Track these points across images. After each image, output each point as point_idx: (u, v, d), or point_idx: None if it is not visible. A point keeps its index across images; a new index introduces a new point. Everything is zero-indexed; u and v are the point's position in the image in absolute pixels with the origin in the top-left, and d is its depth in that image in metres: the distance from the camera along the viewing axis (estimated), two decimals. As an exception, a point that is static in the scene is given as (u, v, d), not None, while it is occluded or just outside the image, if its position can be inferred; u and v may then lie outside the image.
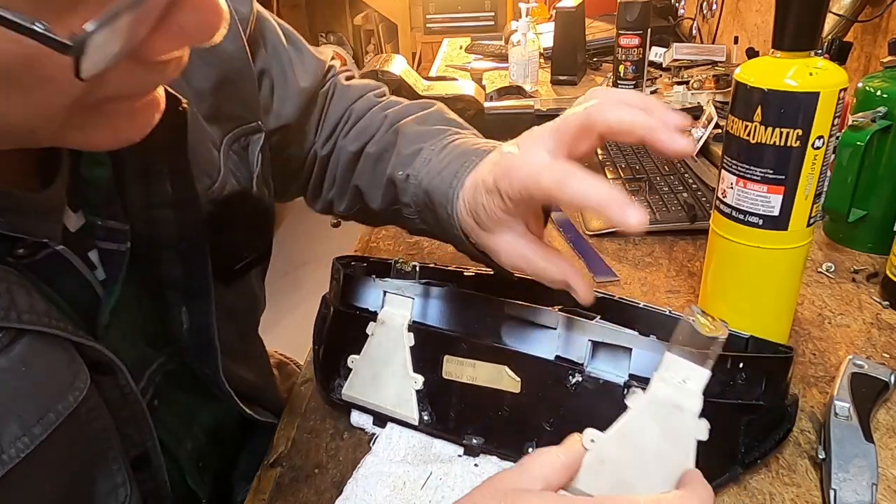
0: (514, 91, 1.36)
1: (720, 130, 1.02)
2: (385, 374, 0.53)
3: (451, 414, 0.52)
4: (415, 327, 0.53)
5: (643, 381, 0.42)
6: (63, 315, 0.36)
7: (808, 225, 0.53)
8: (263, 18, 0.60)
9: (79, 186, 0.41)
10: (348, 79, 0.70)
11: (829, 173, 0.53)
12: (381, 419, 0.54)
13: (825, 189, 0.53)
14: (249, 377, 0.58)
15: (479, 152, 0.50)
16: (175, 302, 0.47)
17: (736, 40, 1.56)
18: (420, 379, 0.52)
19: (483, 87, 1.31)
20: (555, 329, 0.48)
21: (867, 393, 0.51)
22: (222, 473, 0.59)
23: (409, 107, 0.64)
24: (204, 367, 0.50)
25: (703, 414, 0.37)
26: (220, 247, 0.48)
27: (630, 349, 0.45)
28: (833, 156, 0.68)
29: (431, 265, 0.58)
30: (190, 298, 0.47)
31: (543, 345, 0.48)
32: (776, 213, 0.52)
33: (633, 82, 1.39)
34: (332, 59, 0.70)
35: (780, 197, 0.51)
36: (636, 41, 1.35)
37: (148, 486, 0.44)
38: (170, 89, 0.38)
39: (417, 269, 0.57)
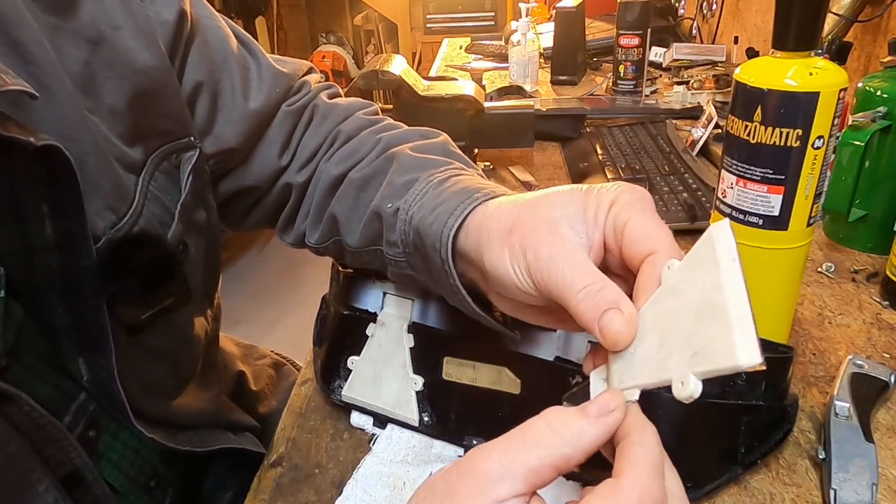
0: (514, 91, 1.37)
1: (720, 130, 1.02)
2: (385, 375, 0.53)
3: (451, 415, 0.52)
4: (415, 328, 0.53)
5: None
6: None
7: (808, 225, 0.53)
8: (202, 23, 0.53)
9: None
10: (332, 97, 0.62)
11: (829, 173, 0.53)
12: (381, 420, 0.54)
13: (825, 189, 0.53)
14: (194, 405, 0.54)
15: (486, 193, 0.42)
16: (70, 352, 0.42)
17: (736, 40, 1.56)
18: (420, 380, 0.52)
19: (483, 87, 1.31)
20: (555, 330, 0.48)
21: (867, 393, 0.51)
22: (188, 484, 0.56)
23: (407, 133, 0.56)
24: (115, 416, 0.46)
25: (703, 415, 0.36)
26: (124, 293, 0.44)
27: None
28: (833, 156, 0.68)
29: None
30: (86, 350, 0.42)
31: (543, 346, 0.48)
32: (776, 213, 0.52)
33: (633, 82, 1.40)
34: (308, 72, 0.62)
35: (780, 197, 0.51)
36: (636, 41, 1.36)
37: (87, 500, 0.43)
38: (17, 132, 0.34)
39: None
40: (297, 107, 0.58)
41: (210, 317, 0.57)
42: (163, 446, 0.49)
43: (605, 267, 0.36)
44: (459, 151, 0.53)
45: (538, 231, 0.35)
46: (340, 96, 0.64)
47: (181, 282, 0.49)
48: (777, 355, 0.48)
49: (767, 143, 0.50)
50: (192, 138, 0.50)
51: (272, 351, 0.81)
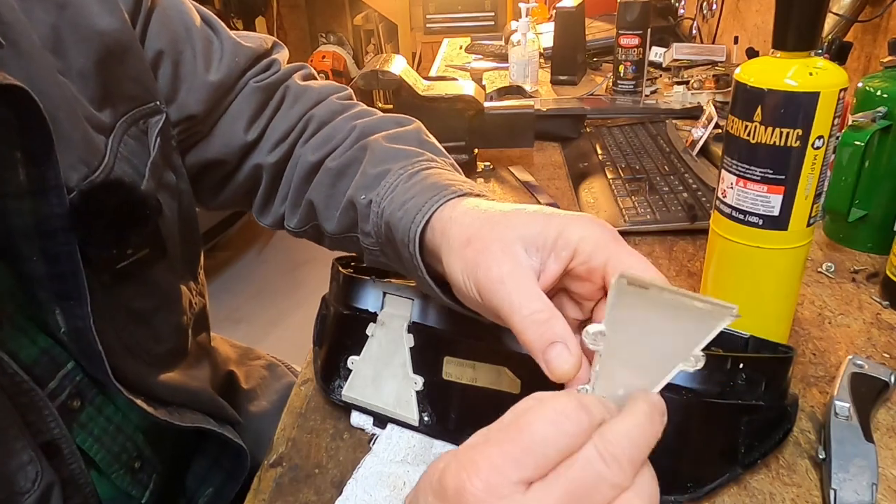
0: (514, 91, 1.36)
1: (720, 130, 1.02)
2: (385, 375, 0.53)
3: (451, 415, 0.52)
4: (415, 328, 0.53)
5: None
6: None
7: (808, 225, 0.53)
8: None
9: None
10: (305, 78, 0.63)
11: (829, 173, 0.53)
12: (381, 420, 0.54)
13: (825, 189, 0.53)
14: (178, 380, 0.54)
15: (454, 190, 0.43)
16: (47, 303, 0.43)
17: (736, 40, 1.56)
18: (420, 380, 0.52)
19: (483, 87, 1.31)
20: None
21: (867, 393, 0.51)
22: (172, 473, 0.56)
23: (382, 120, 0.57)
24: (93, 373, 0.46)
25: (703, 415, 0.36)
26: (97, 241, 0.44)
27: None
28: (833, 156, 0.68)
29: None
30: (62, 299, 0.43)
31: (543, 345, 0.48)
32: (776, 213, 0.52)
33: (633, 82, 1.40)
34: (273, 47, 0.63)
35: (780, 197, 0.51)
36: (636, 41, 1.35)
37: (63, 473, 0.43)
38: (9, 78, 0.36)
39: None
40: (266, 84, 0.59)
41: (195, 290, 0.58)
42: (145, 415, 0.49)
43: (568, 294, 0.37)
44: (433, 140, 0.55)
45: (492, 249, 0.37)
46: (315, 78, 0.64)
47: (154, 231, 0.50)
48: (777, 355, 0.48)
49: (767, 143, 0.50)
50: (157, 103, 0.52)
51: (268, 354, 0.81)
